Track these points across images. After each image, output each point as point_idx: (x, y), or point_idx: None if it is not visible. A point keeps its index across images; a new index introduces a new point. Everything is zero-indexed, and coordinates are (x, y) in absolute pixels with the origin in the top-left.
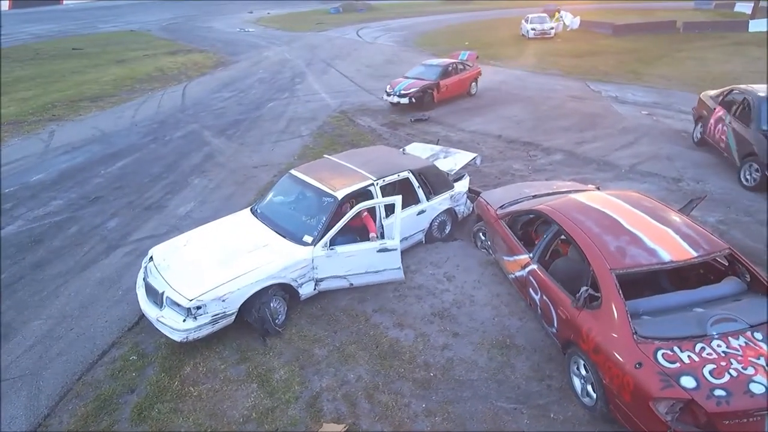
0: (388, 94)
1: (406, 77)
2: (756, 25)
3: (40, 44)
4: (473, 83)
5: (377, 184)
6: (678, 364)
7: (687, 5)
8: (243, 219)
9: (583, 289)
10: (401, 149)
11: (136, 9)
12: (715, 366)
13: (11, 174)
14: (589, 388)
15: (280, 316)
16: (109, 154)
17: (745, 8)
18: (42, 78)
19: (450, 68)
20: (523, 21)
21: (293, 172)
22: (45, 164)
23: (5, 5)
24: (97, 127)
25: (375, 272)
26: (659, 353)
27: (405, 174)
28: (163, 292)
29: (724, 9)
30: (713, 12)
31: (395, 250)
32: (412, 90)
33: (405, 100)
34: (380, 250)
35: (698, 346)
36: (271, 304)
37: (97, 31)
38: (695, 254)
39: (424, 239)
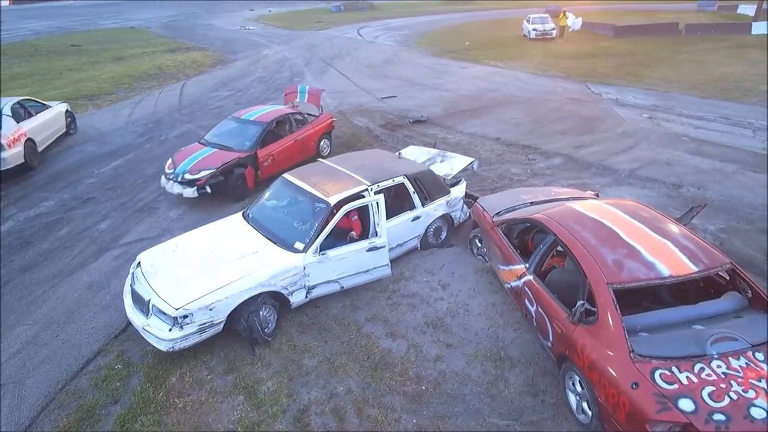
0: (168, 177)
1: (205, 143)
2: (758, 28)
3: (39, 41)
4: (324, 140)
5: (371, 189)
6: (676, 386)
7: (690, 7)
8: (234, 224)
9: (579, 303)
10: (397, 153)
11: (137, 6)
12: (715, 388)
13: (4, 173)
14: (585, 405)
15: (270, 325)
16: (104, 153)
17: (748, 11)
18: (39, 75)
19: (278, 124)
20: (524, 21)
21: (286, 176)
22: (39, 163)
23: (5, 2)
24: (92, 125)
25: (365, 272)
26: (657, 373)
27: (400, 179)
28: (149, 300)
29: (727, 11)
30: (716, 14)
31: (383, 247)
32: (204, 172)
33: (191, 192)
34: (369, 249)
35: (697, 367)
36: (261, 313)
37: (97, 27)
38: (695, 269)
39: (419, 245)
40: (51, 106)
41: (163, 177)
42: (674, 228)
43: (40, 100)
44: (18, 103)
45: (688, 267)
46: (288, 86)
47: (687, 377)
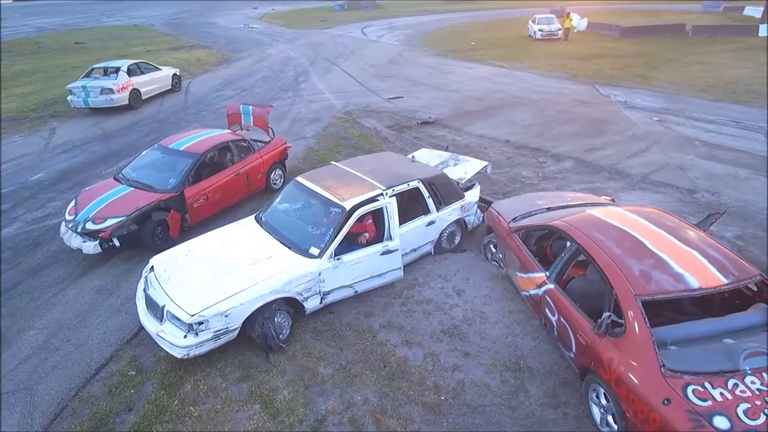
0: (68, 225)
1: (121, 179)
2: (766, 30)
3: (43, 38)
4: (276, 170)
5: (386, 194)
6: (710, 402)
7: (695, 7)
8: (247, 227)
9: (606, 314)
10: (410, 155)
11: (140, 3)
12: (750, 405)
13: (10, 173)
14: (610, 418)
15: (284, 332)
16: (110, 153)
17: (755, 12)
18: (43, 73)
19: (216, 155)
20: (530, 22)
21: (299, 179)
22: (44, 163)
23: None
24: (97, 124)
25: (378, 275)
26: (689, 389)
27: (415, 183)
28: (163, 306)
29: (733, 12)
30: (722, 15)
31: (397, 250)
32: (110, 221)
33: (91, 247)
34: (383, 253)
35: (731, 383)
36: (276, 319)
37: (101, 25)
38: (725, 281)
39: (432, 250)
40: (161, 69)
41: (63, 224)
42: (701, 238)
43: (154, 64)
44: (135, 63)
45: (717, 279)
46: (231, 105)
47: (721, 393)
